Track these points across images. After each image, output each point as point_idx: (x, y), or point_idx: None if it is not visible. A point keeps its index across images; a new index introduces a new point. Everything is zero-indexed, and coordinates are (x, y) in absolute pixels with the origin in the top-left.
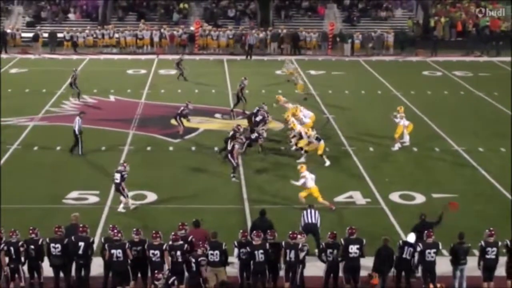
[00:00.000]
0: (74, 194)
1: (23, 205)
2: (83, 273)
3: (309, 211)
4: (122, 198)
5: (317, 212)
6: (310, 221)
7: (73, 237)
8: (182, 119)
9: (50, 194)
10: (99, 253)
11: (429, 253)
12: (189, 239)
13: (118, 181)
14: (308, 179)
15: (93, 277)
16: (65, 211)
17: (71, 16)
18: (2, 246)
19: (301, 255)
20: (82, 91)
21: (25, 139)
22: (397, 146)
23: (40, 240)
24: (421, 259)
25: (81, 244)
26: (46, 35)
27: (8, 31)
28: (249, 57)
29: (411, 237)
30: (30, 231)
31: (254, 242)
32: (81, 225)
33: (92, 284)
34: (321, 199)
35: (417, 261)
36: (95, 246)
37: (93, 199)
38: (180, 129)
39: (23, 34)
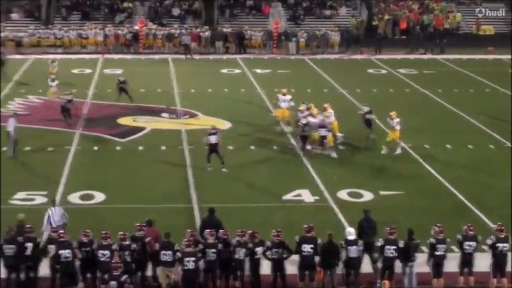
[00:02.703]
0: (21, 195)
1: None
2: (31, 274)
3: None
4: None
5: (61, 208)
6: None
7: (18, 238)
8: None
9: None
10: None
11: (389, 249)
12: (147, 240)
13: None
14: None
15: (42, 277)
16: (12, 212)
17: (13, 15)
18: None
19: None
20: (27, 91)
21: None
22: (399, 150)
23: None
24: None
25: (29, 245)
26: None
27: None
28: (188, 56)
29: (351, 234)
30: None
31: (208, 241)
32: (27, 226)
33: (40, 285)
34: None
35: (376, 257)
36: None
37: (40, 199)
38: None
39: None
